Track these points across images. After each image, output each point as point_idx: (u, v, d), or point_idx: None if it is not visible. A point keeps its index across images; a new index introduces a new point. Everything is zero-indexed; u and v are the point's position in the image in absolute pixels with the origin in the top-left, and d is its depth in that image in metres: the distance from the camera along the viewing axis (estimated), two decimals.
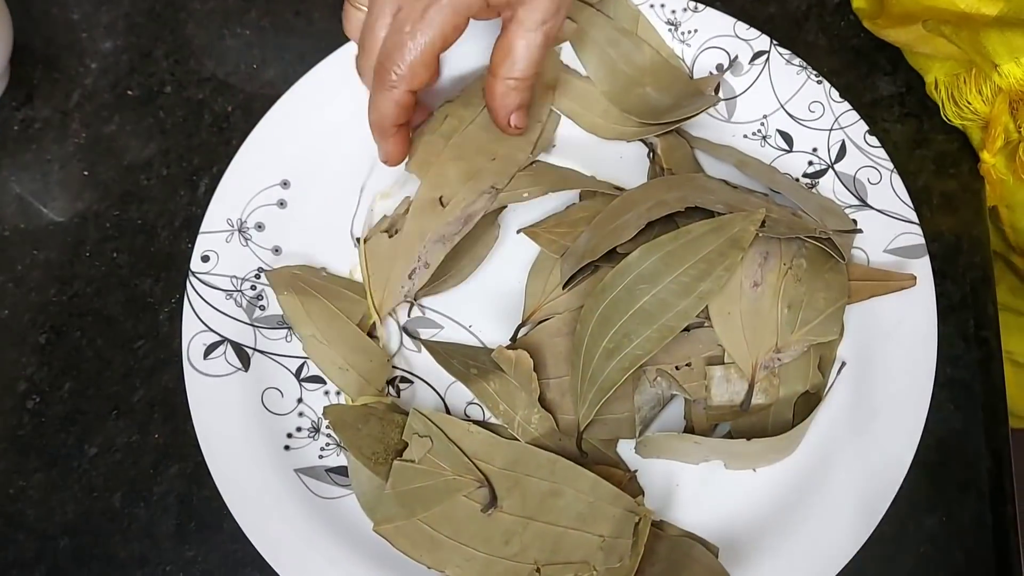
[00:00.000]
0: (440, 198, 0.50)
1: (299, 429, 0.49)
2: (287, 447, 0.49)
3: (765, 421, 0.47)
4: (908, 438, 0.46)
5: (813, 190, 0.52)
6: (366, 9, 0.47)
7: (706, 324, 0.47)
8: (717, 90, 0.54)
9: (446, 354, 0.49)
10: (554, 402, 0.48)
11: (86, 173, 0.56)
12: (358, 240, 0.52)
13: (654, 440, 0.46)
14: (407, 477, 0.45)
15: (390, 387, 0.50)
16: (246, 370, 0.50)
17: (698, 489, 0.47)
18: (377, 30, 0.46)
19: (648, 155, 0.53)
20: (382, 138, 0.49)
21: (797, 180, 0.52)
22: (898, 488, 0.45)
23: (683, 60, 0.55)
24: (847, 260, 0.48)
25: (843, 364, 0.48)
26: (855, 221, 0.50)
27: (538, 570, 0.44)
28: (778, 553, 0.45)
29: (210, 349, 0.50)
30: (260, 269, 0.52)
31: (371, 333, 0.50)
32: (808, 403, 0.48)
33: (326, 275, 0.52)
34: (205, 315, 0.50)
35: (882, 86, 0.56)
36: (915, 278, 0.48)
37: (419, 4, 0.44)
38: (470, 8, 0.44)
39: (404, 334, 0.51)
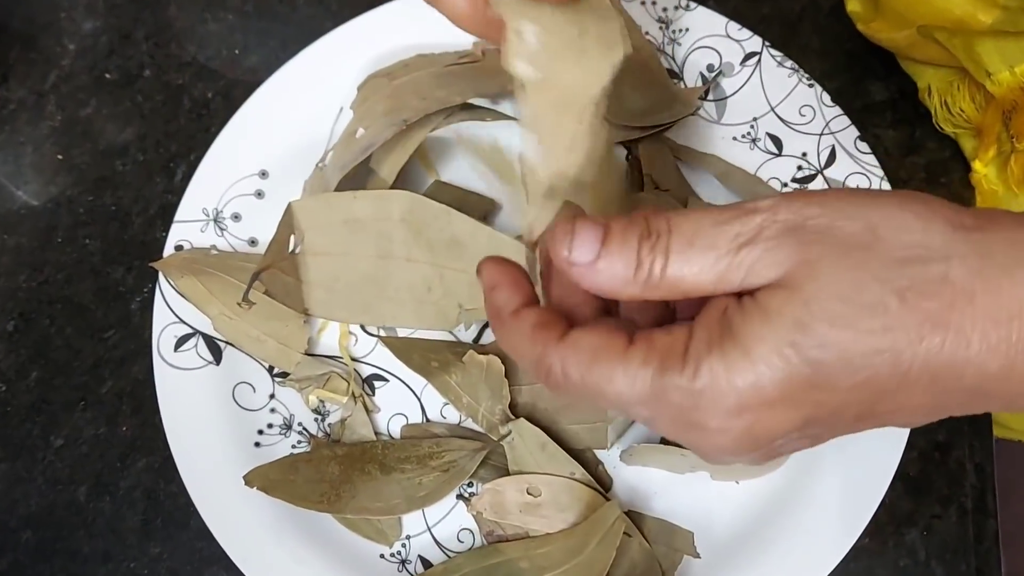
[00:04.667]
0: (356, 131, 0.50)
1: (270, 426, 0.48)
2: (257, 444, 0.47)
3: None
4: (891, 451, 0.45)
5: None
6: None
7: None
8: (706, 96, 0.53)
9: (405, 349, 0.48)
10: (526, 406, 0.47)
11: (60, 157, 0.55)
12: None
13: (639, 450, 0.45)
14: (319, 267, 0.47)
15: (365, 386, 0.49)
16: (217, 364, 0.48)
17: (677, 499, 0.46)
18: None
19: (626, 157, 0.52)
20: None
21: (785, 185, 0.51)
22: (880, 501, 0.44)
23: (673, 59, 0.54)
24: None
25: None
26: None
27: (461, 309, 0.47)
28: (758, 565, 0.44)
29: (181, 341, 0.48)
30: None
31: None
32: None
33: (217, 252, 0.50)
34: (177, 306, 0.49)
35: (875, 91, 0.55)
36: None
37: None
38: None
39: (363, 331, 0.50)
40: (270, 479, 0.45)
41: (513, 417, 0.46)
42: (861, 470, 0.45)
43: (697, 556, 0.44)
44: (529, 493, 0.46)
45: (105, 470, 0.49)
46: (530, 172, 0.35)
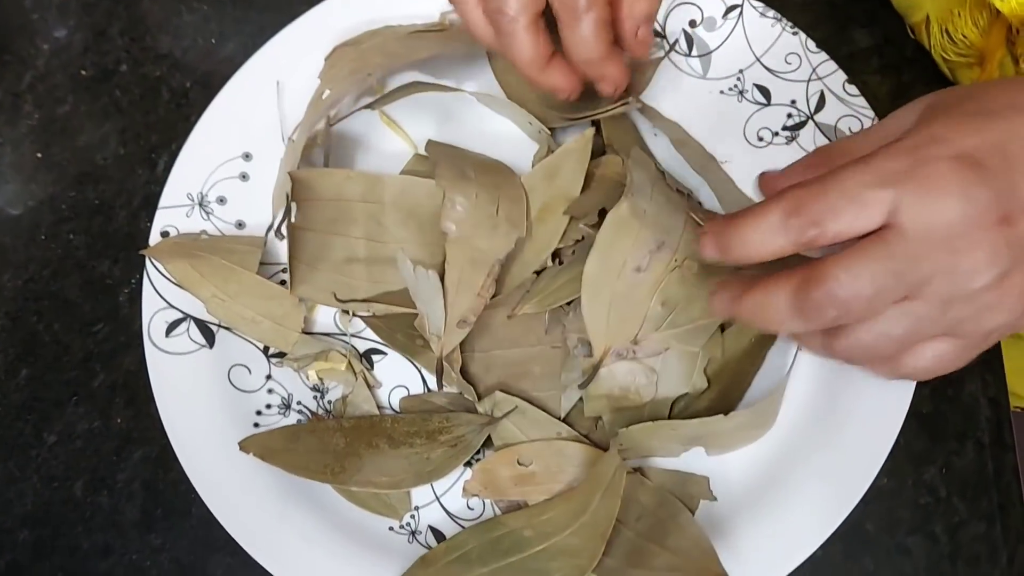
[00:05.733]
0: (323, 93, 0.49)
1: (268, 406, 0.47)
2: (257, 424, 0.46)
3: (641, 415, 0.45)
4: (902, 388, 0.44)
5: (795, 141, 0.50)
6: None
7: None
8: (690, 51, 0.52)
9: (388, 328, 0.47)
10: (477, 376, 0.46)
11: (39, 155, 0.54)
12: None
13: (632, 437, 0.43)
14: (306, 243, 0.47)
15: (363, 360, 0.48)
16: (211, 347, 0.47)
17: (685, 455, 0.45)
18: None
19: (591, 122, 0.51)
20: (604, 64, 0.42)
21: (776, 134, 0.51)
22: (895, 440, 0.43)
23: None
24: None
25: None
26: None
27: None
28: (775, 513, 0.43)
29: (172, 327, 0.47)
30: None
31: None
32: (753, 357, 0.46)
33: (207, 236, 0.49)
34: (166, 291, 0.48)
35: (859, 38, 0.54)
36: None
37: None
38: None
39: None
40: (268, 447, 0.44)
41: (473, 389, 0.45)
42: (873, 411, 0.44)
43: (714, 499, 0.43)
44: (520, 463, 0.44)
45: (101, 464, 0.48)
46: (449, 306, 0.44)
